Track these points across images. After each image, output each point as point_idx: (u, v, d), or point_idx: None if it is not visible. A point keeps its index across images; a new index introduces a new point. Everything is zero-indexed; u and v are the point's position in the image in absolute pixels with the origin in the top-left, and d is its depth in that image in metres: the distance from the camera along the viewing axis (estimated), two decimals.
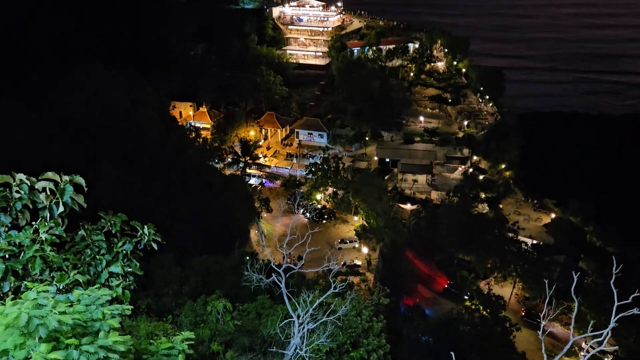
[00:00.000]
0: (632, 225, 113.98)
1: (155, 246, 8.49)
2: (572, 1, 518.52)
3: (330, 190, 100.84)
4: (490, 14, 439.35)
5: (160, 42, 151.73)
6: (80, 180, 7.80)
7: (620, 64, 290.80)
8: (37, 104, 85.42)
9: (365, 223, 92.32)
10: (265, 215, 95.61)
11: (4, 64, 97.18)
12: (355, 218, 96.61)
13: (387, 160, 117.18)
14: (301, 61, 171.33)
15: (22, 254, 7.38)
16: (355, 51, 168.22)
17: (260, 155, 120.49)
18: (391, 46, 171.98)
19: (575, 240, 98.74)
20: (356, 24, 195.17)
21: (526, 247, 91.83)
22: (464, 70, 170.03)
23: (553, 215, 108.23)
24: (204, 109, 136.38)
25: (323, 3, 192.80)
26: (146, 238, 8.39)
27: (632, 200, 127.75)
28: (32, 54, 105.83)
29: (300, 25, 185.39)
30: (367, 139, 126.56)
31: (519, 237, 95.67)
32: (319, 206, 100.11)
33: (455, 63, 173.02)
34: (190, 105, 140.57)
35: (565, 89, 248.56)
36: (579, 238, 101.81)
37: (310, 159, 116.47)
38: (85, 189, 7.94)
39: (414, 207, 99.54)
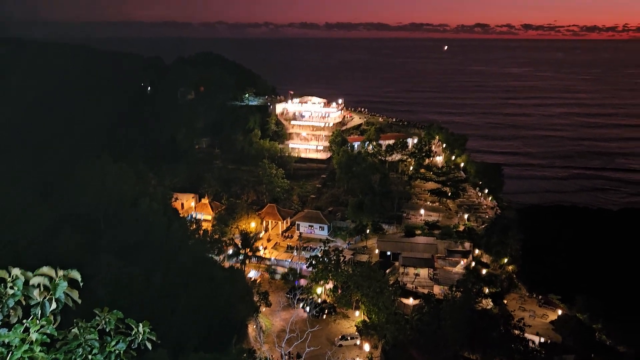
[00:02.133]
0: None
1: (149, 345, 8.30)
2: (563, 101, 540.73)
3: (331, 283, 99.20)
4: (486, 113, 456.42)
5: (169, 137, 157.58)
6: (76, 274, 7.79)
7: (616, 161, 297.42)
8: (46, 195, 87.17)
9: (366, 318, 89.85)
10: (264, 309, 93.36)
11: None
12: (357, 313, 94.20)
13: (388, 253, 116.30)
14: (303, 155, 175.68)
15: (10, 354, 7.12)
16: (356, 146, 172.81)
17: (261, 248, 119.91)
18: (391, 141, 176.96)
19: (584, 338, 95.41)
20: (356, 120, 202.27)
21: (534, 346, 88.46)
22: (462, 165, 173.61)
23: (559, 312, 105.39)
24: (206, 200, 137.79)
25: (324, 100, 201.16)
26: (140, 337, 8.21)
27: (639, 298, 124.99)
28: (44, 144, 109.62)
29: (303, 121, 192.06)
30: (368, 231, 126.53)
31: (526, 335, 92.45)
32: (319, 300, 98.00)
33: (453, 158, 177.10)
34: (193, 197, 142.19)
35: (563, 185, 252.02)
36: (588, 336, 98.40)
37: (311, 251, 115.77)
38: (81, 284, 7.93)
39: (417, 301, 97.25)
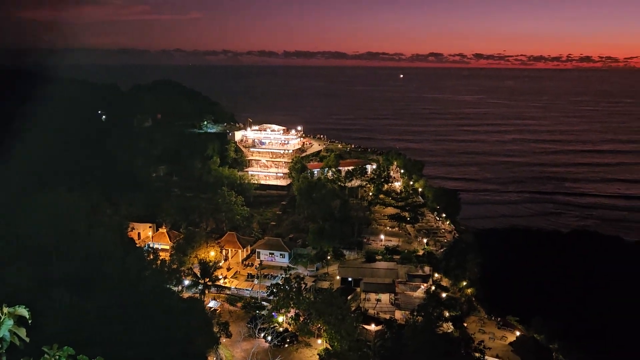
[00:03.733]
0: (595, 342, 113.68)
1: None
2: (515, 127, 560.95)
3: (293, 312, 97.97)
4: (442, 139, 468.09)
5: (126, 165, 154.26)
6: (23, 311, 7.39)
7: (565, 185, 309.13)
8: None
9: (329, 346, 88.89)
10: (224, 340, 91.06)
11: None
12: (319, 341, 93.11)
13: (350, 279, 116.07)
14: (262, 182, 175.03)
15: None
16: (316, 172, 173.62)
17: (221, 277, 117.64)
18: (350, 167, 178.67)
19: (541, 359, 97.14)
20: (316, 146, 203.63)
21: None
22: (420, 190, 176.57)
23: (518, 333, 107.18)
24: (163, 229, 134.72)
25: (284, 127, 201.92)
26: None
27: (592, 317, 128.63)
28: None
29: (262, 148, 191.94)
30: (328, 258, 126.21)
31: (486, 358, 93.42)
32: (281, 329, 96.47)
33: (411, 183, 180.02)
34: (150, 226, 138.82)
35: (517, 209, 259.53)
36: (545, 356, 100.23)
37: (272, 279, 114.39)
38: (30, 321, 7.52)
39: (379, 327, 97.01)
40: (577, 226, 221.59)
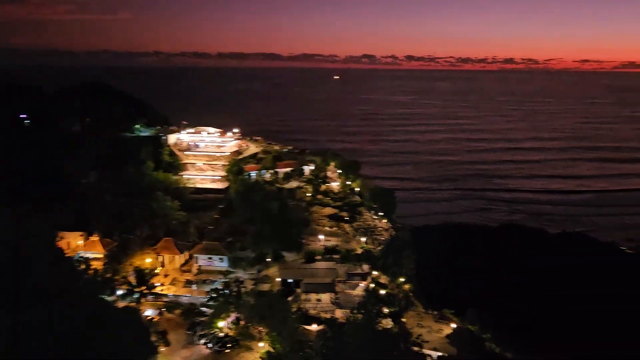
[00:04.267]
0: (525, 329, 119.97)
1: None
2: (447, 127, 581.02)
3: (233, 316, 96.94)
4: (377, 140, 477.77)
5: (54, 172, 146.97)
6: None
7: (494, 181, 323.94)
8: None
9: (271, 349, 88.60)
10: (163, 349, 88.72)
11: None
12: (261, 344, 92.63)
13: (290, 280, 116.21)
14: (199, 185, 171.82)
15: None
16: (253, 174, 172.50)
17: (158, 284, 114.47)
18: (287, 169, 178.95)
19: (476, 349, 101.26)
20: (253, 148, 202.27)
21: None
22: (357, 189, 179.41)
23: (453, 326, 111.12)
24: (95, 238, 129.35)
25: (220, 130, 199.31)
26: None
27: (521, 305, 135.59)
28: None
29: (198, 151, 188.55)
30: (268, 260, 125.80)
31: (424, 351, 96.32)
32: (222, 334, 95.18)
33: (349, 183, 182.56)
34: (81, 235, 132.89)
35: (450, 206, 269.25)
36: (479, 347, 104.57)
37: (211, 284, 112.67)
38: None
39: (320, 327, 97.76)
40: (505, 220, 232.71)
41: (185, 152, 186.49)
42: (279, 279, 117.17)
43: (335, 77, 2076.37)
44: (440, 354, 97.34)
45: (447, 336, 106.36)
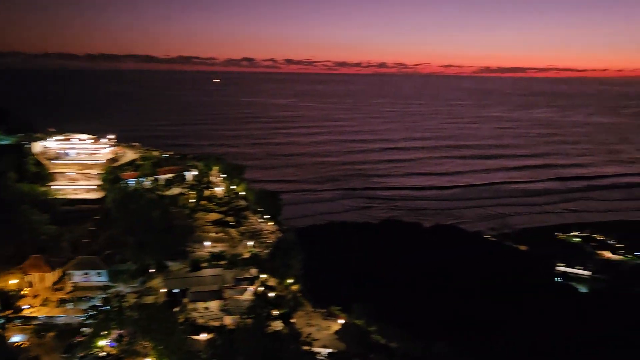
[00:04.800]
0: (408, 318, 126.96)
1: None
2: (327, 129, 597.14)
3: (115, 333, 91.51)
4: (260, 143, 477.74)
5: None
6: None
7: (372, 180, 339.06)
8: None
9: None
10: None
11: None
12: None
13: (176, 290, 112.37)
14: (71, 196, 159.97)
15: None
16: (132, 182, 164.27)
17: (26, 307, 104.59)
18: (169, 175, 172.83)
19: (362, 342, 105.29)
20: (130, 155, 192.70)
21: (322, 358, 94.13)
22: (242, 193, 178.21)
23: (341, 322, 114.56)
24: None
25: (93, 137, 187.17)
26: None
27: (403, 296, 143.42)
28: None
29: (68, 160, 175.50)
30: (152, 271, 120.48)
31: (314, 349, 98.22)
32: (103, 354, 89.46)
33: (233, 187, 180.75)
34: None
35: (334, 206, 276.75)
36: (366, 339, 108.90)
37: (89, 301, 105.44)
38: None
39: (209, 336, 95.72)
40: (385, 217, 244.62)
41: (53, 161, 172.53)
42: (164, 290, 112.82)
43: (215, 80, 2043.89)
44: (330, 350, 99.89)
45: (336, 332, 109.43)
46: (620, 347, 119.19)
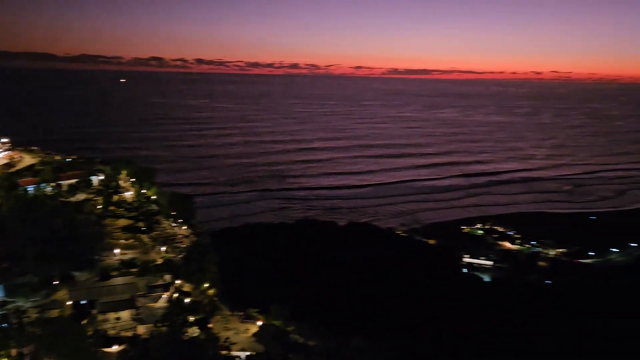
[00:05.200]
0: (325, 316, 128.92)
1: None
2: (240, 130, 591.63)
3: (15, 352, 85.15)
4: (172, 145, 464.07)
5: None
6: None
7: (287, 181, 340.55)
8: None
9: None
10: None
11: None
12: None
13: (84, 302, 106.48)
14: None
15: None
16: (31, 189, 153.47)
17: None
18: (72, 180, 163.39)
19: (281, 342, 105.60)
20: (28, 159, 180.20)
21: None
22: (153, 197, 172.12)
23: (259, 323, 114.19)
24: None
25: None
26: None
27: (320, 294, 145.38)
28: None
29: None
30: (56, 283, 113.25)
31: (232, 353, 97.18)
32: None
33: (144, 192, 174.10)
34: None
35: (249, 207, 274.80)
36: (284, 339, 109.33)
37: None
38: None
39: (122, 347, 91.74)
40: (301, 217, 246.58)
41: None
42: (70, 302, 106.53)
43: (122, 80, 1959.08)
44: (248, 353, 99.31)
45: (254, 335, 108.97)
46: (520, 331, 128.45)
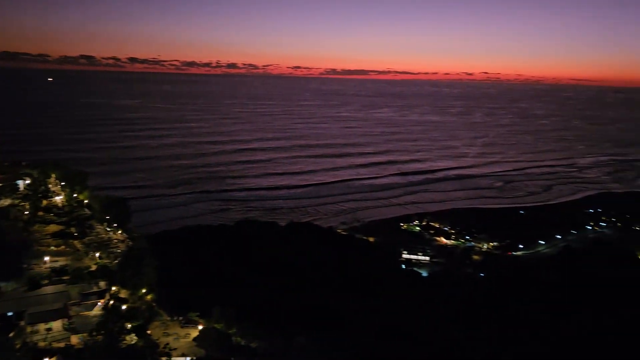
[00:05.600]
0: (268, 317, 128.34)
1: None
2: (178, 131, 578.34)
3: None
4: (105, 147, 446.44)
5: None
6: None
7: (227, 182, 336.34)
8: None
9: None
10: None
11: None
12: None
13: (10, 314, 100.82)
14: None
15: None
16: None
17: None
18: None
19: (222, 345, 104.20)
20: None
21: None
22: (86, 202, 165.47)
23: (200, 327, 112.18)
24: None
25: None
26: None
27: (262, 294, 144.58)
28: None
29: None
30: None
31: (172, 359, 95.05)
32: None
33: (75, 196, 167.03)
34: None
35: (187, 210, 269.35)
36: (226, 342, 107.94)
37: None
38: None
39: (53, 359, 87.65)
40: (240, 218, 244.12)
41: None
42: None
43: (49, 79, 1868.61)
44: (189, 358, 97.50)
45: (194, 339, 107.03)
46: (455, 321, 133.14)
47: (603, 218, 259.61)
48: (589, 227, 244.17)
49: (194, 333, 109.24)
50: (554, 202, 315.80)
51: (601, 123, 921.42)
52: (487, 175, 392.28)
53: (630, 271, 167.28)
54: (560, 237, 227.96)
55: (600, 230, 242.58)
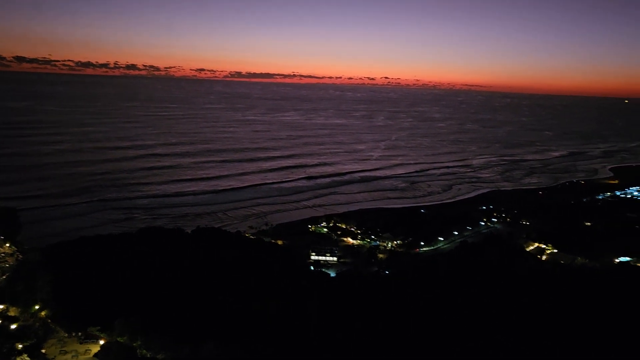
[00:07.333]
0: (174, 326, 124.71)
1: None
2: (73, 136, 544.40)
3: None
4: None
5: None
6: None
7: (131, 189, 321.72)
8: None
9: None
10: None
11: None
12: None
13: None
14: None
15: None
16: None
17: None
18: None
19: (126, 359, 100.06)
20: None
21: None
22: None
23: (102, 342, 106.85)
24: None
25: None
26: None
27: (168, 303, 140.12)
28: None
29: None
30: None
31: None
32: None
33: None
34: None
35: (85, 220, 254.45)
36: (130, 356, 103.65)
37: None
38: None
39: None
40: (147, 225, 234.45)
41: None
42: None
43: None
44: None
45: (95, 355, 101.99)
46: (364, 317, 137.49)
47: (494, 214, 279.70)
48: (482, 223, 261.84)
49: (95, 349, 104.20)
50: (452, 200, 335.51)
51: (492, 126, 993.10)
52: (391, 177, 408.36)
53: (518, 261, 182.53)
54: (457, 233, 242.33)
55: (492, 225, 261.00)
